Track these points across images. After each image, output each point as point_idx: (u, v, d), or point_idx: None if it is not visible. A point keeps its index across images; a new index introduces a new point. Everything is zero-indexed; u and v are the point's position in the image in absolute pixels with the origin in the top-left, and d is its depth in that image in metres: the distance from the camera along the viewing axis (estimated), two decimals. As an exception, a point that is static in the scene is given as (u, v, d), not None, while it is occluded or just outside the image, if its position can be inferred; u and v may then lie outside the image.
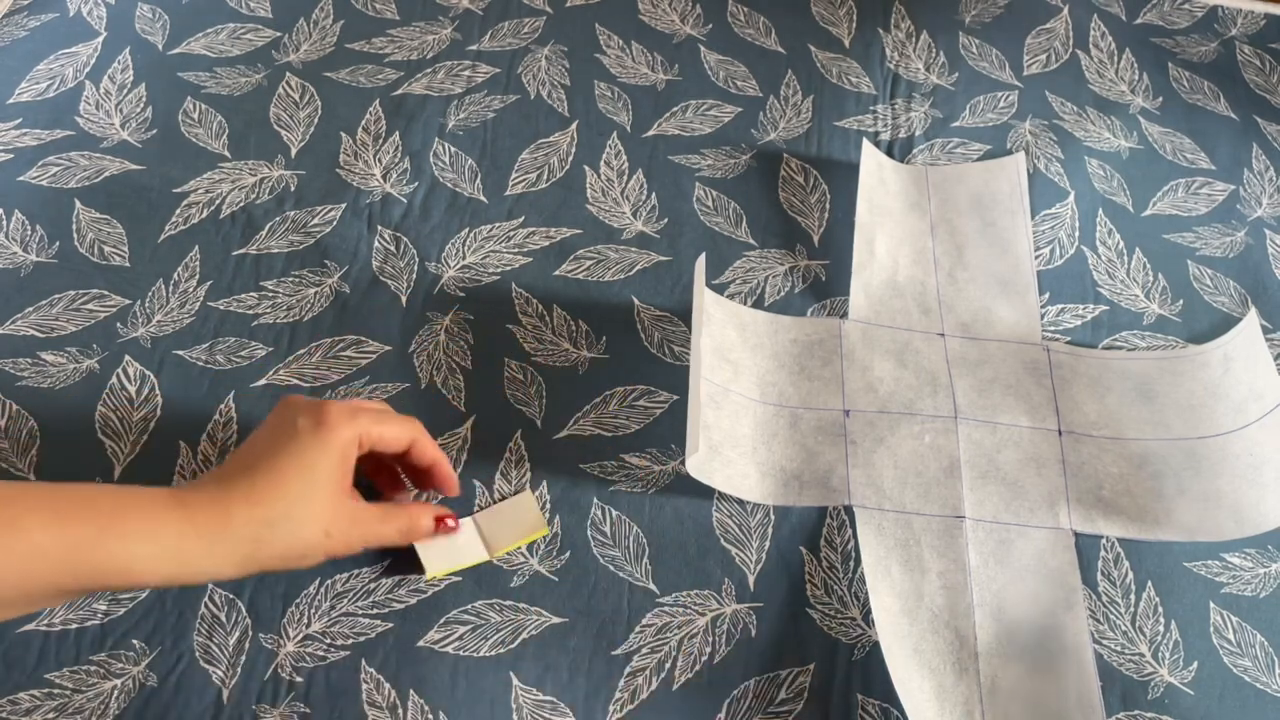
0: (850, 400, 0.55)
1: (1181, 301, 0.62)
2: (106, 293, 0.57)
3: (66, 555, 0.36)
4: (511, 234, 0.61)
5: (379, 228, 0.60)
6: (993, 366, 0.57)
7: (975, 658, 0.49)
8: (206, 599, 0.48)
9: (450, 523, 0.48)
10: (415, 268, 0.59)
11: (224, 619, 0.48)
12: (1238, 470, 0.52)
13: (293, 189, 0.62)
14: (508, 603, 0.49)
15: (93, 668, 0.46)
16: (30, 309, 0.56)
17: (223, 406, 0.53)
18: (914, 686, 0.47)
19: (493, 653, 0.48)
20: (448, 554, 0.49)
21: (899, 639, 0.49)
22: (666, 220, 0.63)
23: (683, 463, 0.53)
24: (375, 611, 0.49)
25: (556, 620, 0.49)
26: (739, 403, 0.54)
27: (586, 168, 0.64)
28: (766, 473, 0.53)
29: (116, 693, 0.46)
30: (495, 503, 0.52)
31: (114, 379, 0.54)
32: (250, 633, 0.48)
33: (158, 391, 0.54)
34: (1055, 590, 0.51)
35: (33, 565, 0.35)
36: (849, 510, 0.52)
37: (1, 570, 0.35)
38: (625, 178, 0.64)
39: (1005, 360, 0.58)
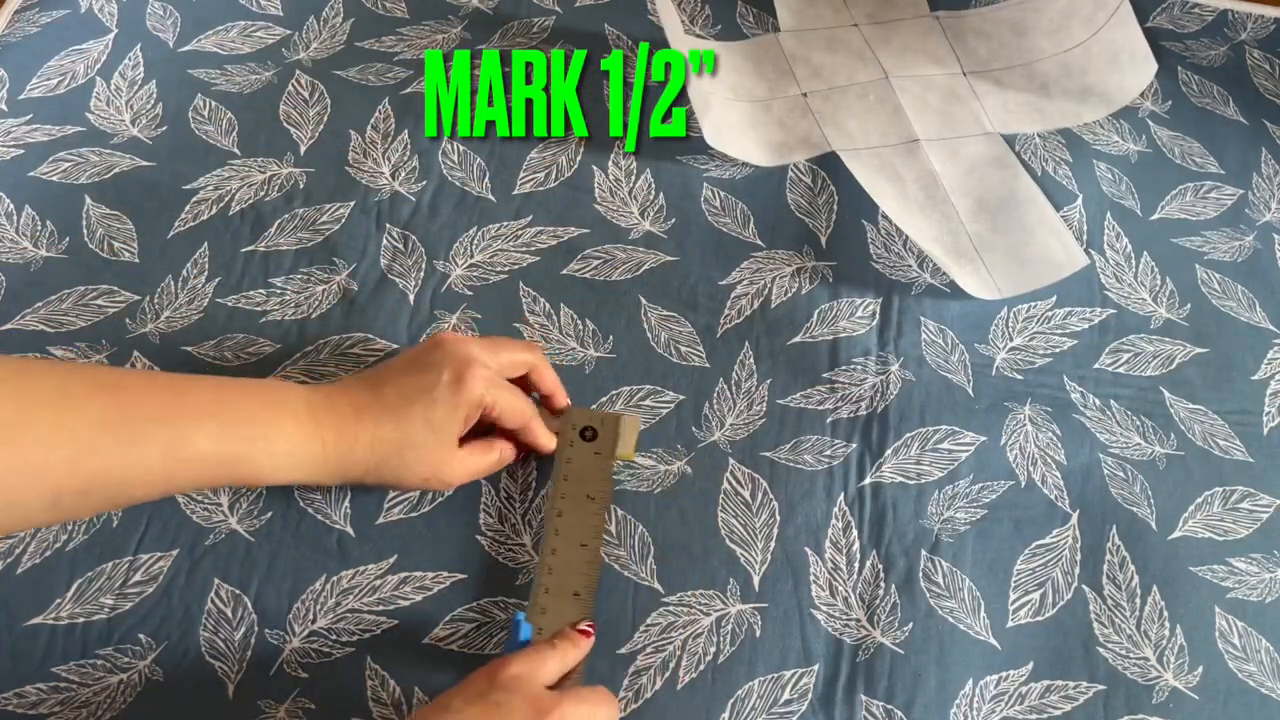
0: (803, 85, 0.70)
1: (1189, 306, 0.62)
2: (116, 288, 0.57)
3: (222, 463, 0.43)
4: (519, 233, 0.61)
5: (387, 226, 0.61)
6: (902, 38, 0.72)
7: (962, 223, 0.63)
8: (213, 594, 0.48)
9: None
10: (423, 266, 0.59)
11: (230, 615, 0.48)
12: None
13: (302, 186, 0.62)
14: (512, 600, 0.49)
15: (99, 662, 0.46)
16: (40, 304, 0.56)
17: (230, 403, 0.54)
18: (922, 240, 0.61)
19: (498, 651, 0.48)
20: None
21: (900, 216, 0.62)
22: (674, 220, 0.63)
23: (688, 462, 0.53)
24: (381, 608, 0.49)
25: (561, 619, 0.49)
26: (723, 102, 0.66)
27: (594, 167, 0.64)
28: (760, 146, 0.66)
29: (123, 687, 0.46)
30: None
31: (122, 374, 0.54)
32: (256, 628, 0.48)
33: (166, 387, 0.54)
34: (1001, 171, 0.66)
35: (197, 470, 0.42)
36: (834, 157, 0.65)
37: (176, 476, 0.42)
38: (633, 177, 0.64)
39: (911, 30, 0.73)
